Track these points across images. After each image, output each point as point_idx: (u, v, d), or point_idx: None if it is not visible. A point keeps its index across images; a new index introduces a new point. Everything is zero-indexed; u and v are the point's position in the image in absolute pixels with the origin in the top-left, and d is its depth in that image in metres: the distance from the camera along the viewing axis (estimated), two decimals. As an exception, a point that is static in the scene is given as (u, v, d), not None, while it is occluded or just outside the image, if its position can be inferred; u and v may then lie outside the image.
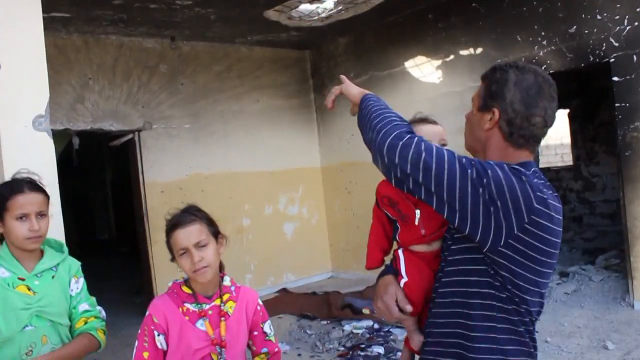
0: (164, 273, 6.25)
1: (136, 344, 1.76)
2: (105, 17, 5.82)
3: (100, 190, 12.64)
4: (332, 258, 8.33)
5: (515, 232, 1.39)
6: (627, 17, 5.19)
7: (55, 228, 2.50)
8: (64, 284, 1.93)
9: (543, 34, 5.77)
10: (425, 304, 1.62)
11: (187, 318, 1.74)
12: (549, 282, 1.54)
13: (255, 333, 1.89)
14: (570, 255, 7.84)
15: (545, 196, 1.41)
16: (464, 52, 6.48)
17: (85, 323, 1.91)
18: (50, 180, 2.61)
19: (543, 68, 5.78)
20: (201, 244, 1.76)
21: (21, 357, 1.79)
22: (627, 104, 5.25)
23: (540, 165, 11.70)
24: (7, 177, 2.19)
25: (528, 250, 1.41)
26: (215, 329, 1.76)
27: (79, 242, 11.99)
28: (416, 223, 1.61)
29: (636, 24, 5.15)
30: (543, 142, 14.09)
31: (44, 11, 2.69)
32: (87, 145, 7.46)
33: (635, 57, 5.18)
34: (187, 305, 1.77)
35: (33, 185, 1.91)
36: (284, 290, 7.51)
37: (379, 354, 4.66)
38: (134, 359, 1.74)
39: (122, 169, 7.24)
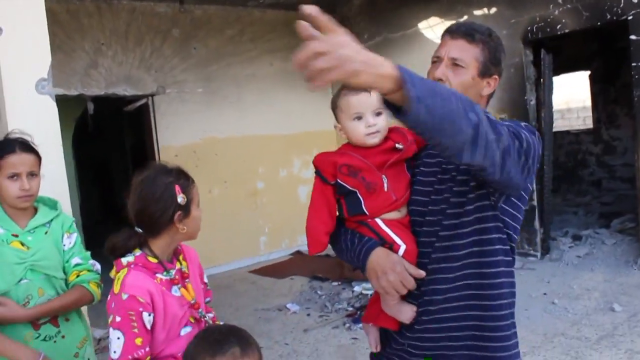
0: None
1: (119, 335, 1.51)
2: (115, -19, 5.82)
3: (121, 155, 12.81)
4: (346, 221, 8.36)
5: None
6: (646, -27, 5.03)
7: (60, 188, 2.60)
8: (57, 239, 2.00)
9: (559, -8, 5.62)
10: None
11: (164, 288, 1.62)
12: None
13: (202, 286, 1.86)
14: (585, 219, 7.78)
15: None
16: (477, 12, 6.34)
17: (78, 276, 1.98)
18: (54, 142, 2.67)
19: (558, 28, 5.66)
20: None
21: None
22: (645, 64, 5.13)
23: (561, 129, 11.52)
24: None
25: (524, 192, 1.52)
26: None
27: (100, 207, 12.28)
28: (385, 189, 1.54)
29: (656, -20, 4.98)
30: (564, 105, 13.83)
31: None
32: (105, 111, 7.56)
33: (653, 15, 5.03)
34: (159, 275, 1.64)
35: (25, 146, 1.95)
36: (298, 252, 7.62)
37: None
38: (123, 352, 1.50)
39: (141, 134, 7.34)
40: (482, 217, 1.48)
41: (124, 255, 1.63)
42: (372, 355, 1.78)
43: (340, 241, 1.62)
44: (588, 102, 11.23)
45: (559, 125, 12.32)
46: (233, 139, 7.36)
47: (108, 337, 1.55)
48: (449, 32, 1.57)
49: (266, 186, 7.67)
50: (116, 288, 1.57)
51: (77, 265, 2.00)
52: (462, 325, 1.50)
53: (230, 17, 7.37)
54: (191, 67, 7.02)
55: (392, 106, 1.16)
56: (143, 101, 6.76)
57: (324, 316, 5.00)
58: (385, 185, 1.54)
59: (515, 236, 1.53)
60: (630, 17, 5.15)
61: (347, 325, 4.69)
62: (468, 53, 1.52)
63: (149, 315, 1.55)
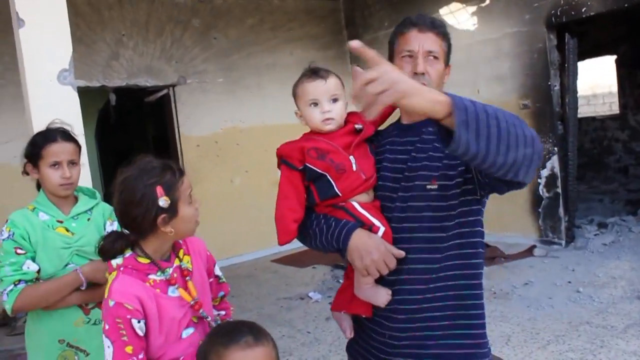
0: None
1: (109, 344, 1.44)
2: (135, -28, 5.85)
3: (143, 146, 12.93)
4: (368, 210, 8.35)
5: None
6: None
7: (84, 177, 2.63)
8: (99, 225, 2.07)
9: (584, -26, 5.49)
10: None
11: (158, 290, 1.52)
12: None
13: (211, 280, 1.78)
14: (612, 206, 7.65)
15: None
16: (500, -3, 6.23)
17: None
18: (76, 132, 2.72)
19: (583, 10, 5.53)
20: None
21: None
22: (673, 47, 4.98)
23: (585, 115, 11.31)
24: (35, 130, 2.30)
25: None
26: (185, 290, 1.59)
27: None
28: (354, 169, 1.56)
29: (685, -41, 4.83)
30: (590, 91, 13.66)
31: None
32: (127, 102, 7.63)
33: (683, -4, 4.88)
34: (152, 276, 1.53)
35: (65, 135, 2.02)
36: (320, 241, 7.62)
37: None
38: None
39: (163, 125, 7.41)
40: (468, 211, 1.53)
41: (115, 257, 1.55)
42: (349, 348, 1.78)
43: (311, 227, 1.61)
44: (614, 88, 11.01)
45: (584, 111, 12.10)
46: (254, 129, 7.37)
47: None
48: (415, 26, 1.59)
49: (287, 175, 7.66)
50: (105, 293, 1.49)
51: None
52: (444, 315, 1.53)
53: (249, 6, 7.36)
54: (212, 57, 7.04)
55: (444, 134, 1.24)
56: (164, 92, 6.81)
57: (345, 305, 5.00)
58: (354, 165, 1.57)
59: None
60: (658, -1, 5.02)
61: (369, 313, 4.68)
62: (438, 45, 1.59)
63: (139, 322, 1.45)
